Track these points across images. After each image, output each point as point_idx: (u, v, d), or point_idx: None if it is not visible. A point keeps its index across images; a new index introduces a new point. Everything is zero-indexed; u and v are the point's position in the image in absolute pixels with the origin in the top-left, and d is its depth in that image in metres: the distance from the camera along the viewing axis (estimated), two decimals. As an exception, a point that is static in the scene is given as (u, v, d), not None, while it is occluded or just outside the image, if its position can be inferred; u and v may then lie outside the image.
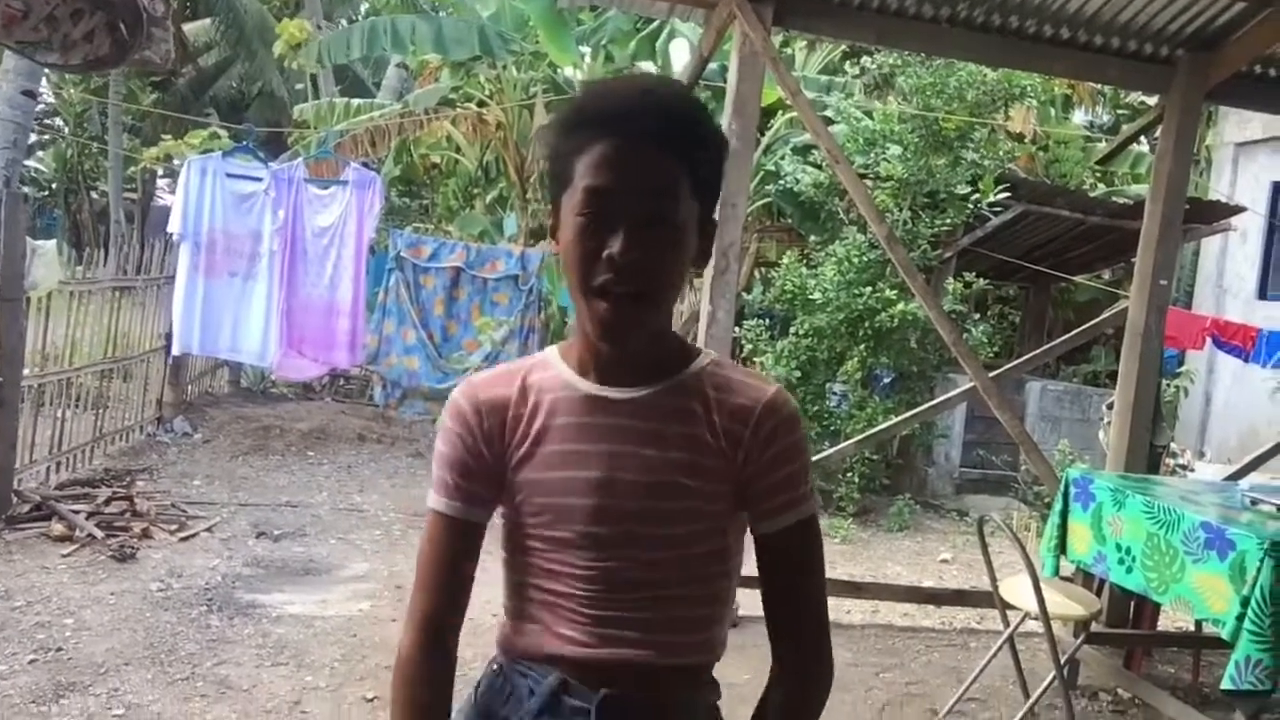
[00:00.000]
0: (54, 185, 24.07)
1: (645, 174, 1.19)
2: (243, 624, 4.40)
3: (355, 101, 12.02)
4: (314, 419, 8.81)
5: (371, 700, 3.78)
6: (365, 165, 8.85)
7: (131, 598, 4.55)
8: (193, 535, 5.56)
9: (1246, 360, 8.40)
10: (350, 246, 7.72)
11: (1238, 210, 9.80)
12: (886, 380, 8.24)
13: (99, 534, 5.28)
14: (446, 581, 1.31)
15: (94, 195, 23.24)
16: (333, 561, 5.43)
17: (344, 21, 18.72)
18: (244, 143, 8.25)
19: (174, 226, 7.58)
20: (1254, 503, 3.94)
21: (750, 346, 8.24)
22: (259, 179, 7.65)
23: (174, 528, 5.62)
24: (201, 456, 7.43)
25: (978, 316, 9.16)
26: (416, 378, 8.53)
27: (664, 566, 1.26)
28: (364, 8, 19.67)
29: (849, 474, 7.70)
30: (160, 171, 20.20)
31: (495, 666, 1.34)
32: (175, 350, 7.75)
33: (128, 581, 4.76)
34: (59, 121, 22.75)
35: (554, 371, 1.31)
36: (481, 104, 11.29)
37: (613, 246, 1.18)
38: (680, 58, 10.07)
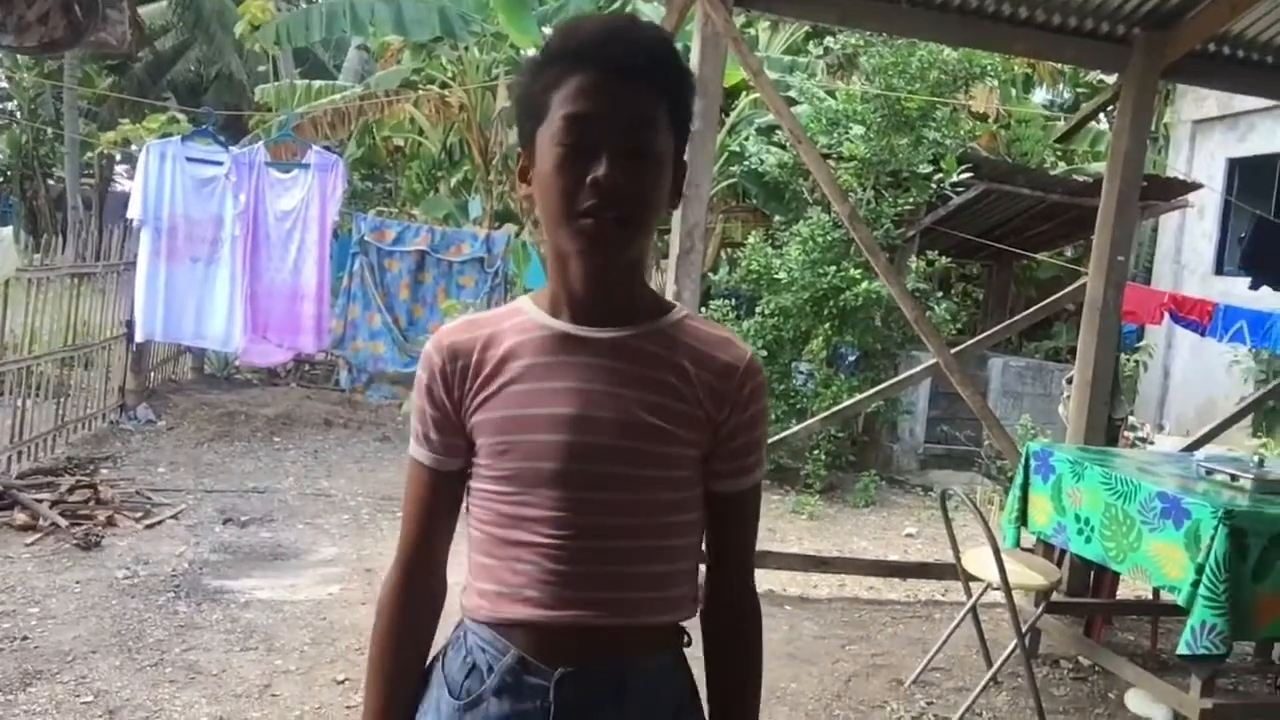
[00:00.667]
0: (8, 172, 23.62)
1: (628, 104, 1.20)
2: (211, 610, 4.39)
3: (316, 84, 11.91)
4: (279, 404, 8.76)
5: (342, 682, 3.79)
6: (327, 149, 8.77)
7: (97, 585, 4.52)
8: (158, 522, 5.52)
9: (1203, 334, 8.54)
10: (313, 230, 7.67)
11: (1195, 187, 9.96)
12: (851, 358, 8.32)
13: (63, 523, 5.23)
14: (426, 526, 1.34)
15: (50, 181, 22.85)
16: (301, 546, 5.42)
17: (304, 2, 18.49)
18: (203, 126, 8.15)
19: (134, 212, 7.48)
20: (1209, 473, 4.04)
21: (716, 327, 8.26)
22: (219, 163, 7.57)
23: (139, 515, 5.58)
24: (166, 443, 7.37)
25: (941, 294, 9.26)
26: (382, 362, 8.49)
27: (633, 510, 1.25)
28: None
29: (815, 451, 7.78)
30: (118, 157, 19.92)
31: (459, 635, 1.33)
32: (138, 337, 7.67)
33: (93, 569, 4.73)
34: (12, 106, 22.34)
35: (526, 316, 1.30)
36: (444, 86, 11.22)
37: (597, 171, 1.17)
38: (643, 38, 10.04)
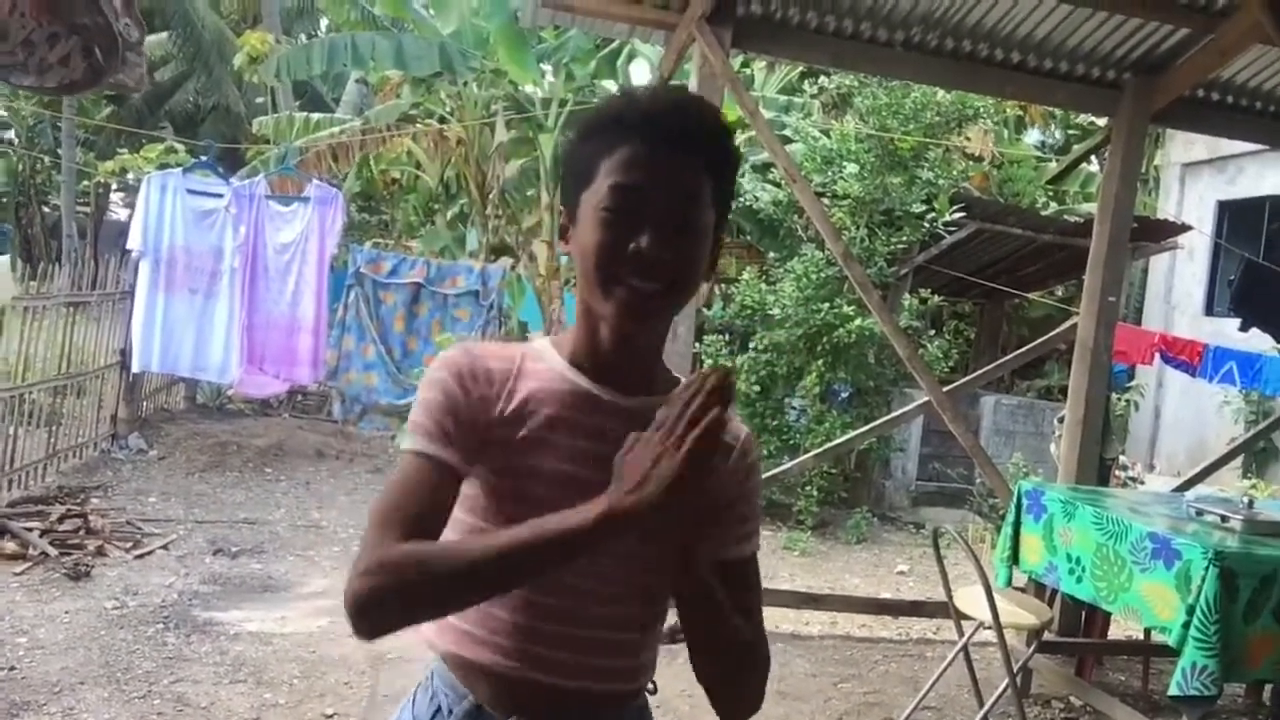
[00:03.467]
0: (4, 199, 23.66)
1: (676, 179, 1.21)
2: (200, 642, 4.37)
3: (315, 116, 11.99)
4: (272, 435, 8.74)
5: (331, 717, 3.77)
6: (328, 182, 8.83)
7: (86, 616, 4.50)
8: (149, 553, 5.50)
9: (1194, 375, 8.59)
10: (312, 263, 7.70)
11: (1184, 229, 10.06)
12: (844, 395, 8.35)
13: (52, 552, 5.21)
14: (419, 531, 1.16)
15: (45, 209, 22.88)
16: (291, 579, 5.39)
17: (303, 36, 18.65)
18: (203, 158, 8.20)
19: (134, 243, 7.52)
20: (1199, 513, 4.05)
21: (710, 362, 8.30)
22: (220, 195, 7.62)
23: (129, 545, 5.56)
24: (157, 473, 7.34)
25: (933, 332, 9.31)
26: (376, 394, 8.50)
27: (619, 579, 1.26)
28: (324, 23, 19.60)
29: (807, 488, 7.79)
30: (114, 186, 19.96)
31: (428, 676, 1.34)
32: (135, 367, 7.68)
33: (82, 600, 4.70)
34: (10, 134, 22.41)
35: (547, 363, 1.29)
36: (442, 120, 11.32)
37: (640, 242, 1.18)
38: (641, 78, 10.17)
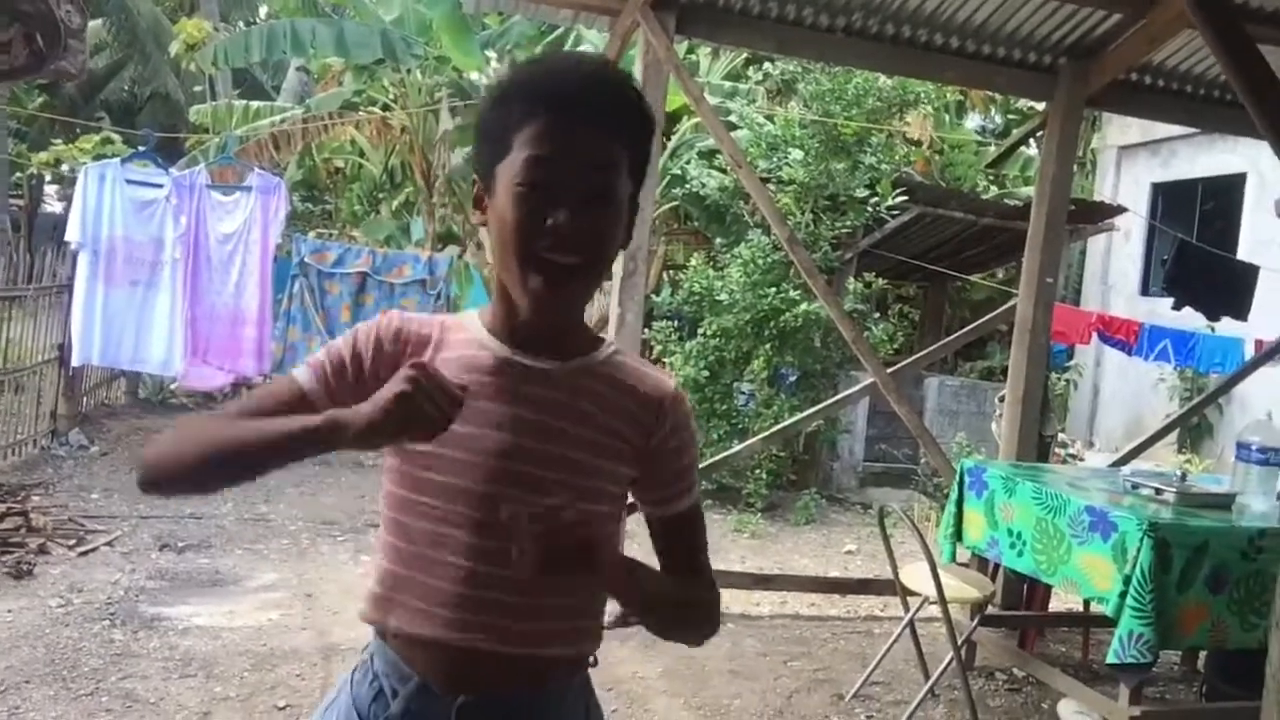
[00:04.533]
0: (-67, 192, 22.98)
1: (591, 149, 1.21)
2: (148, 637, 4.32)
3: (255, 104, 11.82)
4: (217, 429, 8.61)
5: (284, 709, 3.75)
6: (271, 171, 8.71)
7: (30, 614, 4.43)
8: (92, 549, 5.42)
9: (1130, 354, 8.82)
10: (255, 253, 7.61)
11: (1120, 211, 10.29)
12: (792, 379, 8.44)
13: (-7, 551, 5.12)
14: (241, 413, 1.26)
15: (-23, 202, 22.27)
16: (240, 572, 5.35)
17: (241, 23, 18.32)
18: (141, 149, 8.05)
19: (72, 235, 7.37)
20: (1135, 487, 4.17)
21: (659, 348, 8.35)
22: (160, 185, 7.49)
23: (72, 542, 5.47)
24: (99, 469, 7.22)
25: (878, 315, 9.43)
26: (323, 385, 8.41)
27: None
28: (263, 10, 19.28)
29: (756, 471, 7.86)
30: (48, 177, 19.49)
31: (366, 658, 1.34)
32: (75, 361, 7.54)
33: (25, 599, 4.62)
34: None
35: (470, 333, 1.31)
36: (386, 108, 11.21)
37: (557, 217, 1.19)
38: (585, 63, 10.13)
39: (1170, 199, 11.95)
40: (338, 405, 1.22)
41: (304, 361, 1.32)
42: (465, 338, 1.31)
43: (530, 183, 1.20)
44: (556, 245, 1.20)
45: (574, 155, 1.20)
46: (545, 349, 1.29)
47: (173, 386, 9.34)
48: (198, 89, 17.32)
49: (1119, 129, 12.27)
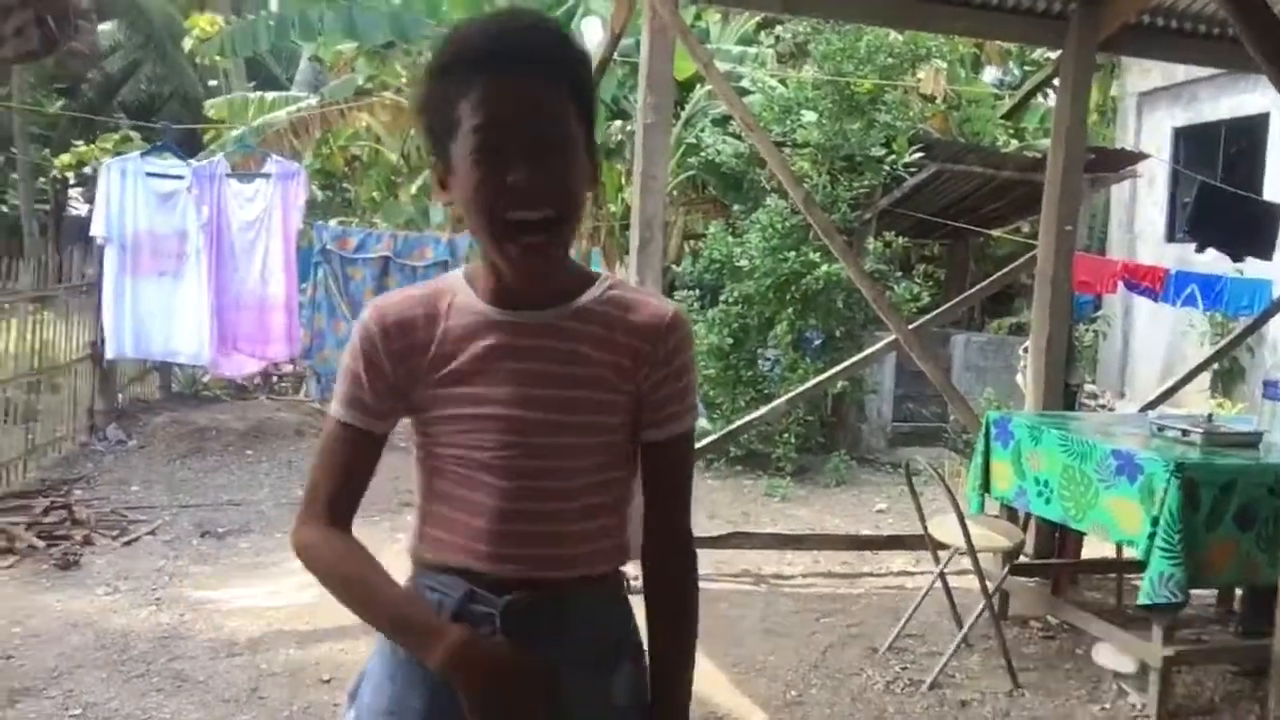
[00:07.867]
0: (-42, 201, 23.29)
1: (530, 100, 1.24)
2: (194, 620, 4.42)
3: (269, 95, 11.88)
4: (250, 418, 8.74)
5: (328, 681, 3.84)
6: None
7: (79, 603, 4.55)
8: (136, 539, 5.54)
9: (1157, 300, 8.69)
10: (278, 239, 7.69)
11: (1142, 157, 10.16)
12: (817, 342, 8.43)
13: (39, 544, 5.24)
14: (347, 487, 1.36)
15: (4, 209, 22.56)
16: (280, 555, 5.43)
17: (252, 18, 18.37)
18: (162, 142, 8.14)
19: (97, 230, 7.48)
20: (1161, 430, 4.17)
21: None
22: (180, 176, 7.57)
23: (115, 533, 5.59)
24: (138, 462, 7.36)
25: (902, 275, 9.40)
26: (351, 370, 8.49)
27: (567, 476, 1.34)
28: (274, 5, 19.33)
29: (785, 435, 7.88)
30: (72, 180, 19.69)
31: (408, 585, 1.40)
32: (108, 354, 7.67)
33: (73, 588, 4.75)
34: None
35: (462, 297, 1.36)
36: (399, 91, 11.23)
37: (516, 174, 1.22)
38: (594, 35, 10.12)
39: (1194, 143, 11.78)
40: (392, 414, 1.35)
41: (336, 401, 1.36)
42: (456, 302, 1.35)
43: (482, 148, 1.23)
44: (521, 202, 1.23)
45: (518, 111, 1.23)
46: (537, 302, 1.34)
47: (205, 379, 9.47)
48: (214, 84, 17.44)
49: (1139, 75, 12.10)
